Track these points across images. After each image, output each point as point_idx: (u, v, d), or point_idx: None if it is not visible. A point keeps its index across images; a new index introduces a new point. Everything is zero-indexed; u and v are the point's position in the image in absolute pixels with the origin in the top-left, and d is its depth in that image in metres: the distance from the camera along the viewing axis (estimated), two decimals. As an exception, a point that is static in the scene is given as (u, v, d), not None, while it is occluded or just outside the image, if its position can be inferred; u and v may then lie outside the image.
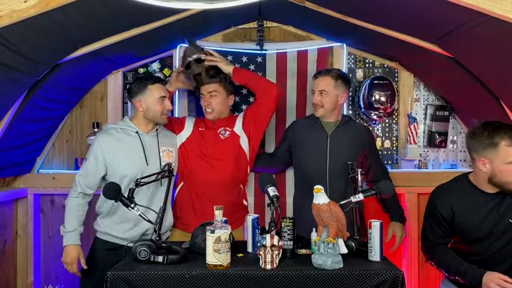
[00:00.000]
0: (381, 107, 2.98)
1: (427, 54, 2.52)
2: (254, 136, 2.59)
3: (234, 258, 1.87)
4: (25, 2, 1.73)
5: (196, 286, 1.74)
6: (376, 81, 3.02)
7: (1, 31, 1.81)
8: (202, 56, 2.65)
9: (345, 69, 3.12)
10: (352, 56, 3.18)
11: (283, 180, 2.92)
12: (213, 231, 1.79)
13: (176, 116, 3.03)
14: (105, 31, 2.41)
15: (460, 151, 3.18)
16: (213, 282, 1.74)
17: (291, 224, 1.98)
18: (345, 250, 1.93)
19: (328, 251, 1.81)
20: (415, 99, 3.17)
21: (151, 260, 1.86)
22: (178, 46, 3.10)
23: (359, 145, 2.51)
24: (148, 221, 2.05)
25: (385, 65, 3.17)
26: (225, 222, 1.90)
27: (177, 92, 2.99)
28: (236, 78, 2.63)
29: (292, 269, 1.79)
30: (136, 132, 2.39)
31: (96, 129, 3.08)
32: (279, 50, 3.11)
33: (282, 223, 1.99)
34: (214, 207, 1.84)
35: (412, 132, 3.09)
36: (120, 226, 2.35)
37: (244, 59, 3.12)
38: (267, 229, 2.02)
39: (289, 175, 2.89)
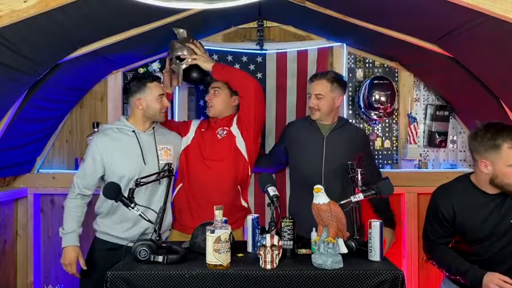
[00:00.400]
0: (381, 106, 2.98)
1: (427, 54, 2.52)
2: (247, 135, 2.54)
3: (234, 258, 1.87)
4: (25, 2, 1.73)
5: (196, 286, 1.74)
6: (376, 81, 3.02)
7: (1, 31, 1.80)
8: (181, 55, 2.63)
9: (344, 69, 3.13)
10: (352, 56, 3.18)
11: (283, 180, 2.93)
12: (213, 231, 1.79)
13: (176, 115, 3.03)
14: (105, 31, 2.41)
15: (460, 151, 3.18)
16: (213, 282, 1.74)
17: (291, 223, 1.98)
18: (345, 250, 1.93)
19: (328, 251, 1.81)
20: (415, 99, 3.17)
21: (151, 259, 1.86)
22: (178, 46, 3.10)
23: (354, 147, 2.49)
24: (149, 221, 2.05)
25: (385, 65, 3.17)
26: (225, 222, 1.90)
27: (177, 92, 2.99)
28: (216, 75, 2.58)
29: (292, 269, 1.79)
30: (133, 131, 2.38)
31: (96, 129, 3.06)
32: (279, 50, 3.11)
33: (282, 223, 1.99)
34: (214, 207, 1.84)
35: (412, 132, 3.09)
36: (120, 226, 2.34)
37: (244, 59, 3.12)
38: (267, 229, 2.02)
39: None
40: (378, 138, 3.19)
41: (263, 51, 3.10)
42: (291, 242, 1.97)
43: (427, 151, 3.18)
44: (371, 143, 3.14)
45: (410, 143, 3.10)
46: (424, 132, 3.17)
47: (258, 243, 1.84)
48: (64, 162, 3.19)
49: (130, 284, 1.75)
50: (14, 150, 2.75)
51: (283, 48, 3.12)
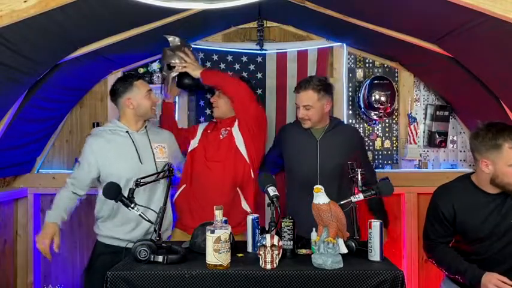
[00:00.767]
0: (381, 107, 2.98)
1: (427, 54, 2.52)
2: (247, 137, 2.54)
3: (234, 258, 1.87)
4: (25, 2, 1.73)
5: (196, 286, 1.74)
6: (376, 81, 3.02)
7: (1, 31, 1.80)
8: (172, 63, 2.65)
9: (344, 69, 3.13)
10: (352, 56, 3.18)
11: (283, 180, 2.92)
12: (213, 231, 1.79)
13: (176, 115, 3.03)
14: (105, 31, 2.41)
15: (460, 151, 3.18)
16: (213, 282, 1.74)
17: (291, 224, 1.98)
18: (345, 250, 1.93)
19: (328, 251, 1.81)
20: (415, 99, 3.17)
21: (151, 260, 1.86)
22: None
23: (349, 147, 2.48)
24: (149, 221, 2.05)
25: (385, 65, 3.17)
26: (225, 222, 1.90)
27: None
28: (205, 82, 2.61)
29: (292, 269, 1.79)
30: (127, 131, 2.38)
31: (95, 130, 3.08)
32: (279, 50, 3.11)
33: (282, 223, 1.99)
34: (215, 207, 1.84)
35: (412, 132, 3.09)
36: (121, 228, 2.34)
37: (244, 59, 3.12)
38: (267, 229, 2.02)
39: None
40: (378, 138, 3.19)
41: (263, 51, 3.10)
42: (291, 242, 1.97)
43: (427, 151, 3.18)
44: (370, 143, 3.15)
45: (410, 143, 3.10)
46: (424, 132, 3.17)
47: (258, 243, 1.84)
48: (64, 162, 3.19)
49: (130, 284, 1.75)
50: (14, 150, 2.75)
51: (283, 48, 3.12)
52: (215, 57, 3.12)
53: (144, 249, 1.87)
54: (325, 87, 2.49)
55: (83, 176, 2.34)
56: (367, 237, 2.05)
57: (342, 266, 1.80)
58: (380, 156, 3.17)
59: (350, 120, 3.16)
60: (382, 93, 2.98)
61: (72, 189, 2.35)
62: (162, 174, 2.22)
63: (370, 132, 3.18)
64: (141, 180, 2.10)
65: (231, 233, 1.85)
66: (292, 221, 1.99)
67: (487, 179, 2.00)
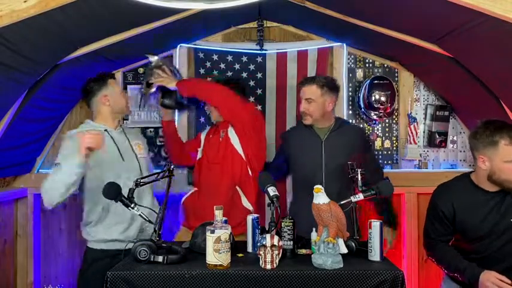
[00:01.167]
0: (381, 107, 2.98)
1: (427, 54, 2.52)
2: (243, 139, 2.52)
3: (234, 258, 1.87)
4: (25, 2, 1.73)
5: (196, 286, 1.74)
6: (376, 81, 3.02)
7: (1, 31, 1.81)
8: (149, 80, 2.63)
9: (344, 69, 3.13)
10: (352, 56, 3.18)
11: (283, 180, 2.92)
12: (213, 231, 1.79)
13: (176, 116, 3.02)
14: (105, 31, 2.41)
15: (460, 151, 3.18)
16: (213, 282, 1.74)
17: (291, 224, 1.98)
18: (345, 250, 1.93)
19: (328, 251, 1.81)
20: (415, 99, 3.18)
21: (151, 260, 1.86)
22: (178, 46, 3.11)
23: (354, 148, 2.47)
24: (149, 221, 2.05)
25: (385, 65, 3.17)
26: (225, 222, 1.90)
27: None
28: (183, 93, 2.58)
29: (292, 269, 1.79)
30: (105, 130, 2.35)
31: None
32: (279, 50, 3.11)
33: (282, 223, 1.99)
34: (215, 207, 1.84)
35: (412, 132, 3.09)
36: (115, 228, 2.31)
37: (244, 58, 3.12)
38: (267, 229, 2.02)
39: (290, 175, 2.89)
40: (378, 138, 3.19)
41: (263, 51, 3.11)
42: (291, 242, 1.97)
43: (427, 151, 3.18)
44: (370, 143, 3.15)
45: (410, 143, 3.10)
46: (424, 132, 3.17)
47: (258, 243, 1.84)
48: (64, 162, 3.19)
49: (130, 284, 1.75)
50: (14, 150, 2.75)
51: (283, 48, 3.12)
52: (215, 57, 3.12)
53: (144, 249, 1.87)
54: (330, 85, 2.48)
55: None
56: (367, 237, 2.05)
57: (342, 266, 1.80)
58: (380, 156, 3.17)
59: (350, 120, 3.16)
60: (382, 93, 2.99)
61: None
62: (161, 174, 2.22)
63: (370, 132, 3.18)
64: (141, 181, 2.10)
65: (231, 233, 1.85)
66: (292, 221, 1.99)
67: (485, 176, 2.01)
